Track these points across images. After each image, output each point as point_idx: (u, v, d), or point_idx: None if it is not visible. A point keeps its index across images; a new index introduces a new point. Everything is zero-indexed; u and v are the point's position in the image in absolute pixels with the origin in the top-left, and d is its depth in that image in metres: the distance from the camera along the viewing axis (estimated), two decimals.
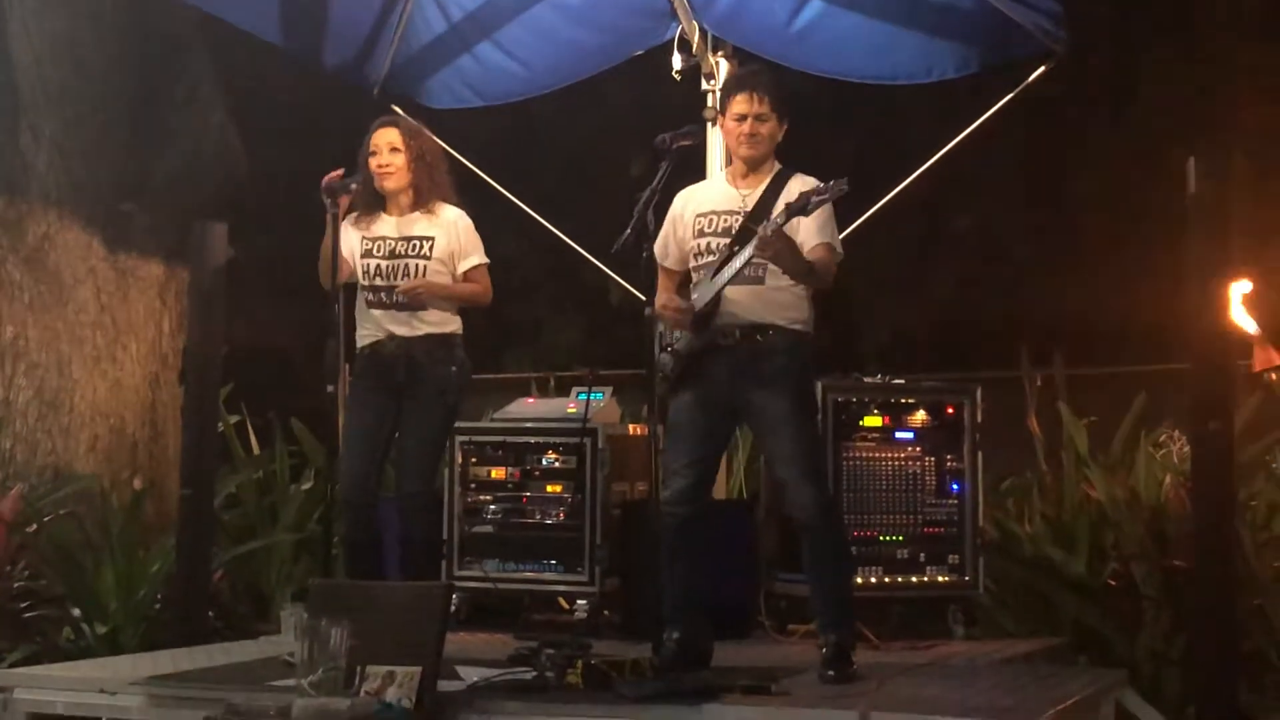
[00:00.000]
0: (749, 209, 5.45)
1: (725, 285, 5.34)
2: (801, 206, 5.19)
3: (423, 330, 6.16)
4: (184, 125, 8.17)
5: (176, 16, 7.95)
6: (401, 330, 6.16)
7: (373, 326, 6.21)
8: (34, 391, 7.88)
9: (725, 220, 5.47)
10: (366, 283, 6.23)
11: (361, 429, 6.18)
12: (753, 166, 5.53)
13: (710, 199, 5.58)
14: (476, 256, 6.27)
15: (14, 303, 7.94)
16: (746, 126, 5.47)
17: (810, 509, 5.36)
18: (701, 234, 5.50)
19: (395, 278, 6.18)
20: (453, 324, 6.24)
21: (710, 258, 5.45)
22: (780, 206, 5.35)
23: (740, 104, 5.48)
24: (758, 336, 5.40)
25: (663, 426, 5.48)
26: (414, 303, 6.15)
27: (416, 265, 6.17)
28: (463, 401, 6.34)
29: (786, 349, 5.41)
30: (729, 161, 6.00)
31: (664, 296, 5.48)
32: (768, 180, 5.50)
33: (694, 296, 5.47)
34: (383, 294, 6.20)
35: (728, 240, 5.43)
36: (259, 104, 10.05)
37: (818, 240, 5.38)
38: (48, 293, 7.91)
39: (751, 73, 5.69)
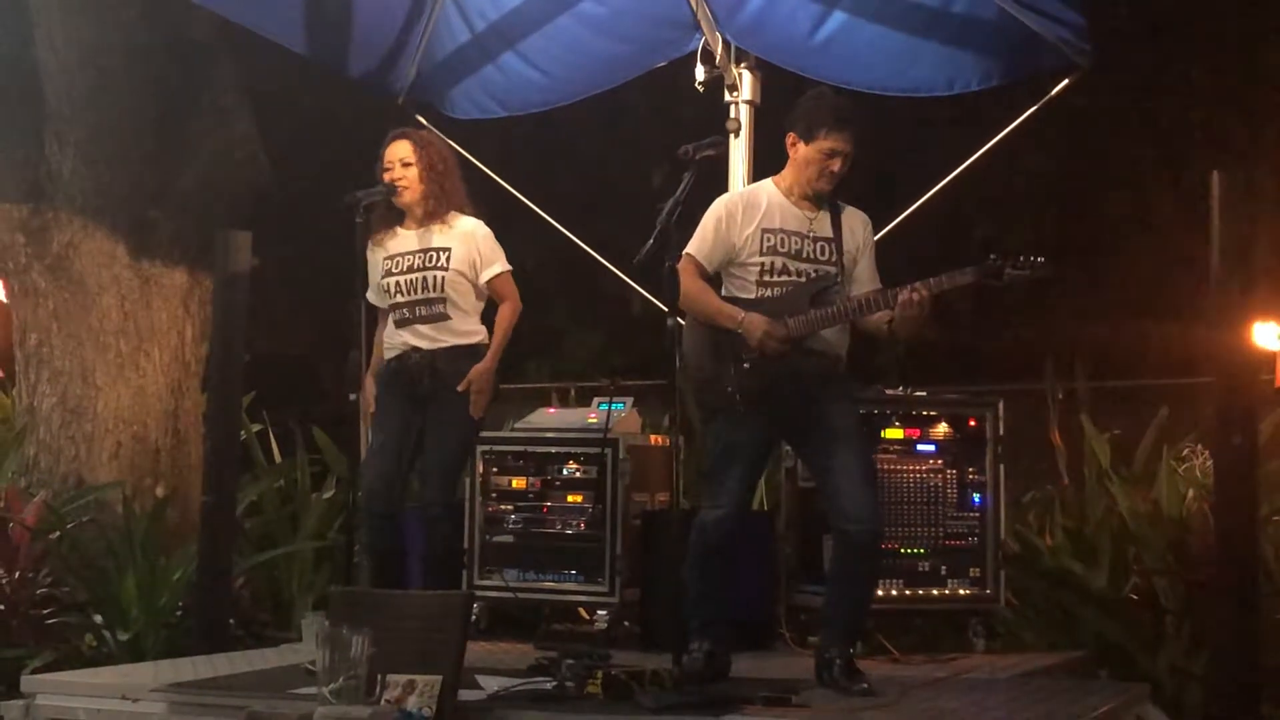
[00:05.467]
0: (816, 234, 5.51)
1: (843, 318, 5.45)
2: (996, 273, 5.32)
3: (448, 342, 6.17)
4: (208, 133, 8.18)
5: (202, 25, 7.98)
6: (426, 343, 6.18)
7: (399, 341, 6.23)
8: (57, 399, 7.90)
9: (795, 242, 5.50)
10: (390, 303, 6.25)
11: (386, 439, 6.20)
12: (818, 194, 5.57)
13: (777, 216, 5.52)
14: (499, 265, 6.27)
15: (38, 310, 7.97)
16: (837, 164, 5.46)
17: (868, 522, 5.34)
18: (774, 252, 5.48)
19: (416, 292, 6.20)
20: (478, 334, 6.25)
21: (784, 278, 5.47)
22: (858, 243, 5.54)
23: (840, 142, 5.44)
24: (834, 364, 5.53)
25: (684, 436, 5.48)
26: (437, 317, 6.19)
27: (435, 277, 6.19)
28: (488, 411, 6.36)
29: (848, 374, 5.61)
30: (752, 176, 6.01)
31: (765, 324, 5.37)
32: (826, 208, 5.56)
33: (753, 315, 5.42)
34: (404, 310, 6.22)
35: (800, 263, 5.48)
36: (283, 112, 10.08)
37: (875, 284, 5.55)
38: (72, 300, 7.93)
39: (852, 113, 5.53)
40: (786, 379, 5.41)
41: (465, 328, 6.21)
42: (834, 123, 5.44)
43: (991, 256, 5.37)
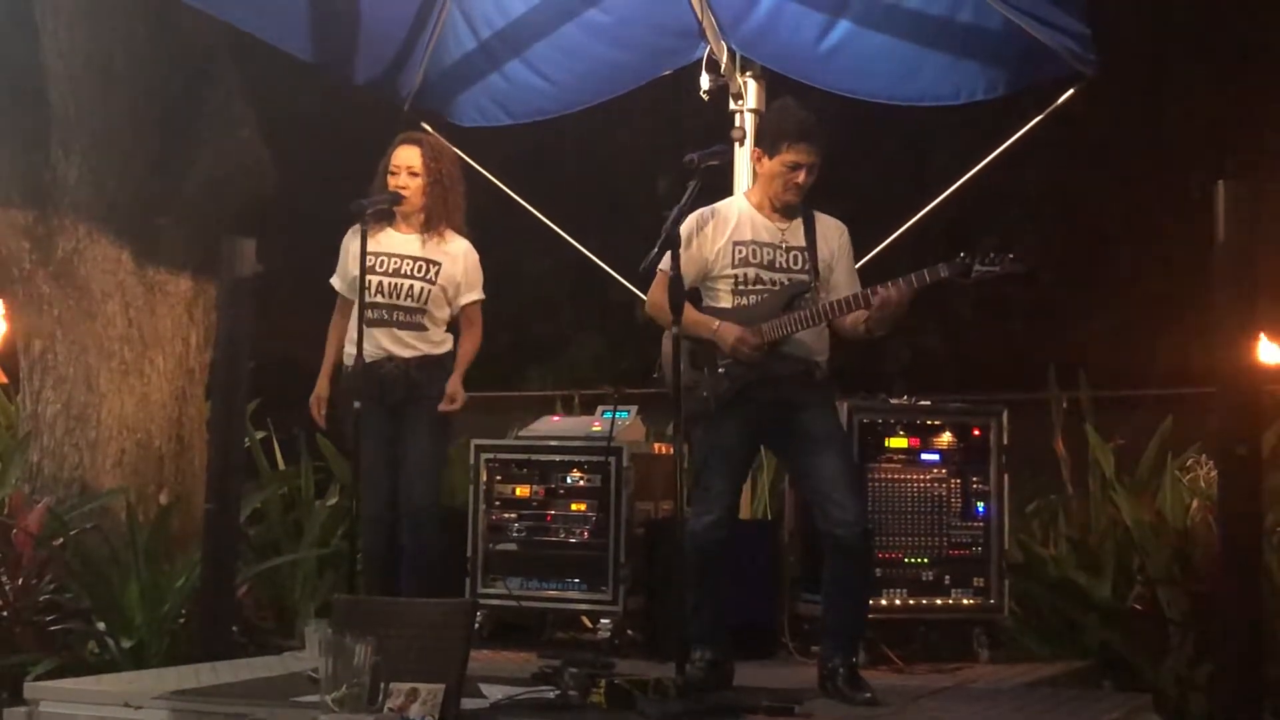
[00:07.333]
0: (789, 244, 5.55)
1: (817, 319, 5.44)
2: (964, 271, 5.34)
3: (421, 351, 6.29)
4: (213, 140, 8.17)
5: (207, 32, 7.98)
6: (401, 350, 6.29)
7: (371, 344, 6.24)
8: (61, 405, 7.88)
9: (768, 253, 5.54)
10: (366, 298, 6.26)
11: (377, 447, 6.28)
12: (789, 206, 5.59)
13: (749, 228, 5.57)
14: (477, 292, 6.43)
15: (42, 316, 7.96)
16: (800, 176, 5.49)
17: (855, 525, 5.36)
18: (746, 263, 5.52)
19: (398, 297, 6.26)
20: (447, 344, 6.44)
21: (758, 288, 5.51)
22: (833, 250, 5.55)
23: (801, 154, 5.47)
24: (810, 370, 5.52)
25: (688, 445, 5.49)
26: (414, 325, 6.27)
27: (421, 288, 6.26)
28: (455, 421, 6.49)
29: (829, 380, 5.60)
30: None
31: (737, 331, 5.43)
32: (800, 218, 5.59)
33: (727, 323, 5.46)
34: (382, 311, 6.27)
35: (774, 273, 5.51)
36: (288, 119, 10.09)
37: (855, 290, 5.52)
38: (76, 306, 7.92)
39: (814, 124, 5.55)
40: (761, 384, 5.45)
41: (438, 337, 6.39)
42: (795, 136, 5.48)
43: (961, 254, 5.39)
